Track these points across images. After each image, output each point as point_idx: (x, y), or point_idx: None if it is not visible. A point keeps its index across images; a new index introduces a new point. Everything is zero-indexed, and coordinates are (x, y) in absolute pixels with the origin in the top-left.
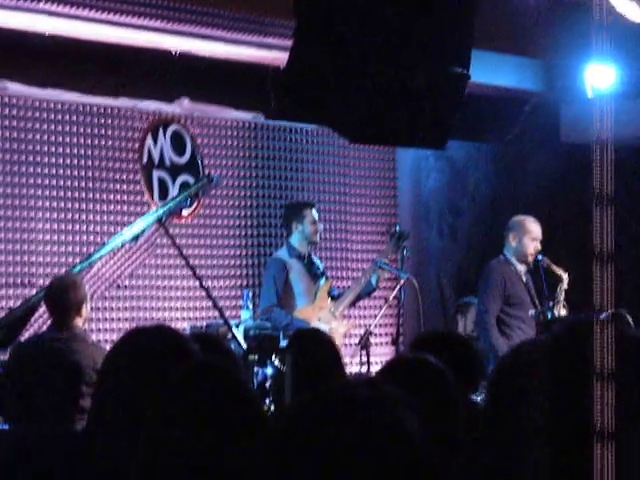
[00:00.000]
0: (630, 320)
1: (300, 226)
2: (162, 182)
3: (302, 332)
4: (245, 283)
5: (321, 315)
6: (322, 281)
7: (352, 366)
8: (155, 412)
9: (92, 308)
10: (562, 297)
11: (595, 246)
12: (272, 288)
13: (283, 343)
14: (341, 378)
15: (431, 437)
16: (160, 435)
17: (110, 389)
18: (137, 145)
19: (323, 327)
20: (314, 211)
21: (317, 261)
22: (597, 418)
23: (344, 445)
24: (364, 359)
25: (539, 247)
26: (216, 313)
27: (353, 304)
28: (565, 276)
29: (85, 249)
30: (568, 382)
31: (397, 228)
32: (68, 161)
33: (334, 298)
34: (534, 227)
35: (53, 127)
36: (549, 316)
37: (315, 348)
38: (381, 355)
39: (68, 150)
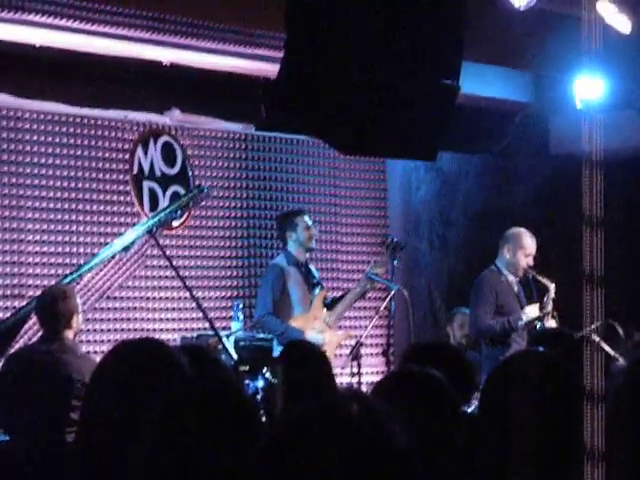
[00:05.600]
0: (620, 331)
1: (294, 234)
2: (152, 193)
3: (294, 344)
4: (235, 294)
5: (316, 325)
6: (317, 290)
7: (343, 377)
8: (152, 431)
9: (82, 319)
10: (550, 307)
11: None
12: (269, 294)
13: (276, 353)
14: (332, 391)
15: (424, 451)
16: (159, 454)
17: (98, 402)
18: (127, 156)
19: (318, 337)
20: (306, 217)
21: (313, 270)
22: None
23: (333, 460)
24: (355, 370)
25: (531, 263)
26: (206, 324)
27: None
28: (552, 286)
29: (75, 260)
30: (558, 396)
31: (393, 238)
32: (58, 172)
33: (327, 306)
34: (529, 243)
35: (43, 138)
36: (538, 327)
37: (307, 361)
38: (372, 366)
39: (59, 161)
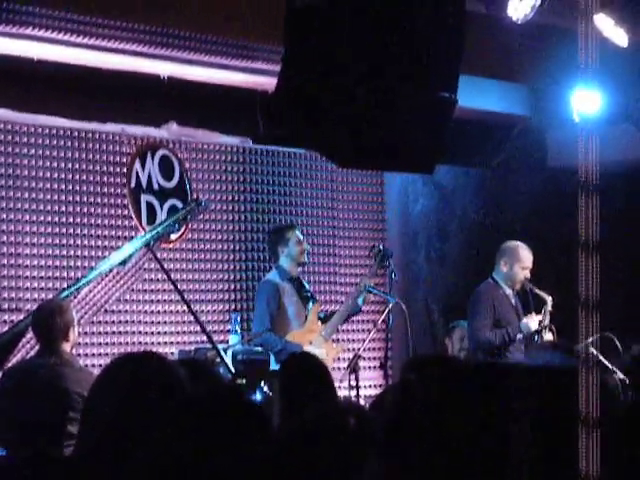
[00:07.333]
0: (618, 343)
1: (286, 249)
2: (150, 206)
3: (295, 356)
4: (233, 307)
5: (312, 339)
6: (311, 304)
7: (341, 390)
8: (151, 444)
9: (80, 333)
10: (547, 320)
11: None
12: (266, 312)
13: (273, 367)
14: (332, 403)
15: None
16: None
17: (97, 415)
18: (125, 169)
19: (317, 352)
20: (297, 232)
21: (305, 283)
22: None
23: (330, 470)
24: (353, 383)
25: (528, 275)
26: (204, 337)
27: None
28: (549, 299)
29: (73, 274)
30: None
31: (380, 247)
32: (56, 186)
33: (322, 320)
34: (526, 255)
35: (41, 152)
36: (536, 340)
37: (307, 372)
38: (369, 379)
39: (56, 175)
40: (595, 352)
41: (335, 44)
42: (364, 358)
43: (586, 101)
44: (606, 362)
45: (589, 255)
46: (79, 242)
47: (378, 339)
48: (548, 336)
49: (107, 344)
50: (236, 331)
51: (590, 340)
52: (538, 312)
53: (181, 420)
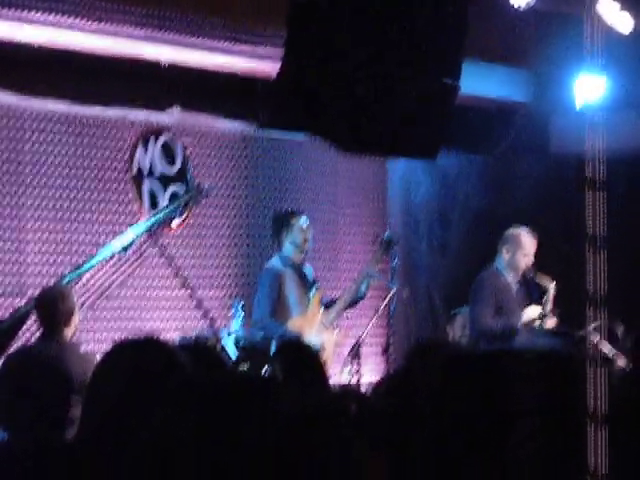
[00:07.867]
0: (622, 330)
1: (290, 236)
2: (152, 192)
3: (285, 343)
4: (235, 293)
5: (314, 326)
6: (313, 291)
7: (343, 376)
8: (153, 429)
9: (82, 318)
10: (549, 307)
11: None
12: (266, 299)
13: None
14: (324, 390)
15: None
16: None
17: (98, 401)
18: (127, 155)
19: (316, 338)
20: (302, 219)
21: (308, 270)
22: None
23: (331, 456)
24: (355, 369)
25: (530, 262)
26: (206, 323)
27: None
28: (552, 285)
29: (75, 259)
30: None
31: (385, 235)
32: (58, 171)
33: (324, 307)
34: (528, 242)
35: (44, 137)
36: (538, 326)
37: (298, 360)
38: (371, 365)
39: (58, 160)
40: (596, 338)
41: (338, 29)
42: (366, 344)
43: (590, 87)
44: (607, 348)
45: (596, 251)
46: (81, 228)
47: (380, 326)
48: (551, 322)
49: (109, 329)
50: (238, 317)
51: (592, 326)
52: (541, 298)
53: (183, 403)
